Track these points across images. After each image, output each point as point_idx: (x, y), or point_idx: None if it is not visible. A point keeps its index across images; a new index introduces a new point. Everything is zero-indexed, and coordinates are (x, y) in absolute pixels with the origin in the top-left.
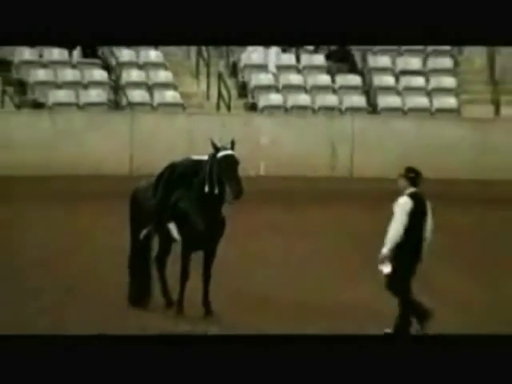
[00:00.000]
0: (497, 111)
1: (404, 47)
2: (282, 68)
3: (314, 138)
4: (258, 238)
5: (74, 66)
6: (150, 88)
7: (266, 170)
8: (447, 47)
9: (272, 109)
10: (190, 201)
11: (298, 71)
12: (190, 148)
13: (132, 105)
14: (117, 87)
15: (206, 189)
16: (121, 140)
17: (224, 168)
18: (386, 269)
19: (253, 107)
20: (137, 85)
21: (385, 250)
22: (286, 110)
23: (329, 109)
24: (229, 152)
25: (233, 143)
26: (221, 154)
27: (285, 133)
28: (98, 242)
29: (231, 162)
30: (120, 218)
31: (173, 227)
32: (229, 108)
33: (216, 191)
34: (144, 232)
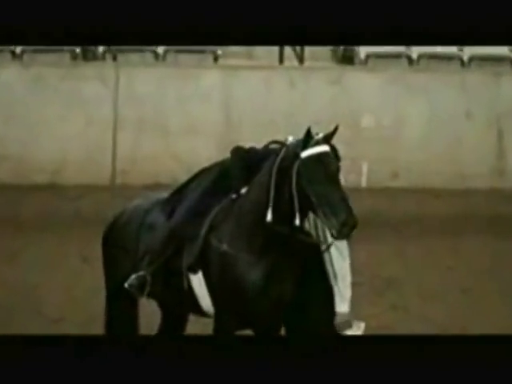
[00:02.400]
0: None
1: None
2: None
3: (476, 113)
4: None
5: None
6: None
7: (371, 176)
8: None
9: (384, 59)
10: (237, 236)
11: None
12: (227, 127)
13: None
14: None
15: (269, 216)
16: None
17: (316, 179)
18: None
19: (349, 58)
20: None
21: None
22: (409, 60)
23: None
24: (324, 148)
25: (334, 131)
26: (308, 151)
27: (412, 104)
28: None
29: (329, 168)
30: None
31: (198, 281)
32: (301, 59)
33: (296, 222)
34: (134, 276)
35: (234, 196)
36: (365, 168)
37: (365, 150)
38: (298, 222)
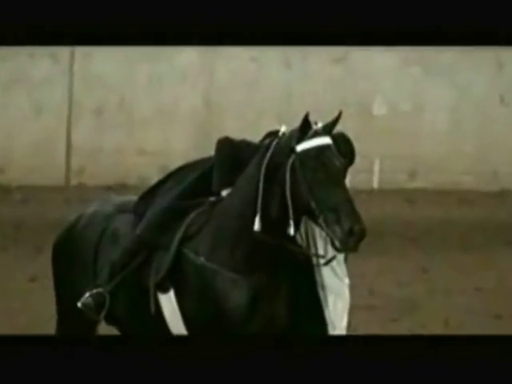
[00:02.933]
0: None
1: None
2: None
3: None
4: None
5: None
6: None
7: (385, 175)
8: None
9: None
10: (218, 248)
11: None
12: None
13: None
14: None
15: (257, 225)
16: None
17: (314, 178)
18: None
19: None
20: None
21: None
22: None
23: None
24: (325, 141)
25: (337, 119)
26: (305, 144)
27: (434, 88)
28: None
29: (331, 165)
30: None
31: (169, 301)
32: None
33: (290, 231)
34: (88, 294)
35: (213, 199)
36: (377, 166)
37: (376, 143)
38: (292, 231)
